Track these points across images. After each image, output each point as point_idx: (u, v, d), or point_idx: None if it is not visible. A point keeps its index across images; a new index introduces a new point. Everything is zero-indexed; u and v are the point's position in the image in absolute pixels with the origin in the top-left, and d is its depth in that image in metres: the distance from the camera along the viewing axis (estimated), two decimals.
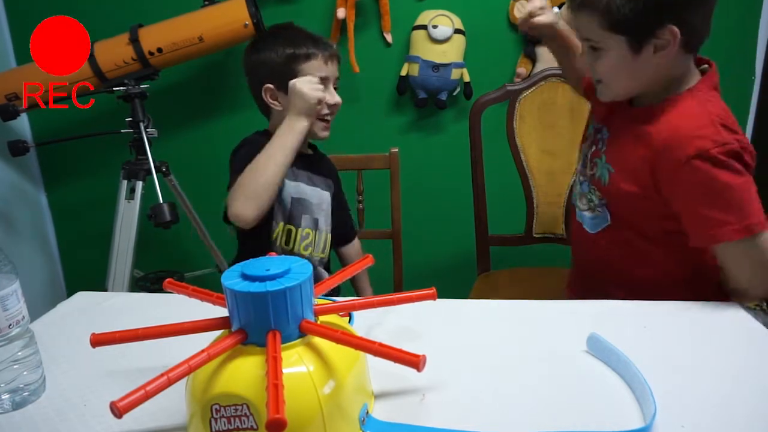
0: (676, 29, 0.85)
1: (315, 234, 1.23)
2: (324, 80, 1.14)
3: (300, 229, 1.20)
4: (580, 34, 0.96)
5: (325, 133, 1.20)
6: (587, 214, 1.04)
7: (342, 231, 1.36)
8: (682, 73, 0.94)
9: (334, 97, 1.17)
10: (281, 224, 1.19)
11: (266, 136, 1.18)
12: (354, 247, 1.43)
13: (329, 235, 1.28)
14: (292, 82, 1.10)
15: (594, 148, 1.04)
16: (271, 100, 1.17)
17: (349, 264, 1.35)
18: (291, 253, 1.22)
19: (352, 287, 1.42)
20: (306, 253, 1.23)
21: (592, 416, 0.60)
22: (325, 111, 1.17)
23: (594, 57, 0.94)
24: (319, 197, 1.24)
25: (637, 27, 0.87)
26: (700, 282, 0.98)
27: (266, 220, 1.15)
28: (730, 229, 0.85)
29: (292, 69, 1.13)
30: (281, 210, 1.18)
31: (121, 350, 0.65)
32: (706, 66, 0.96)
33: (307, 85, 1.09)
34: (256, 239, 1.18)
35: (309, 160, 1.25)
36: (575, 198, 1.11)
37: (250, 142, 1.17)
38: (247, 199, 1.05)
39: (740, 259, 0.89)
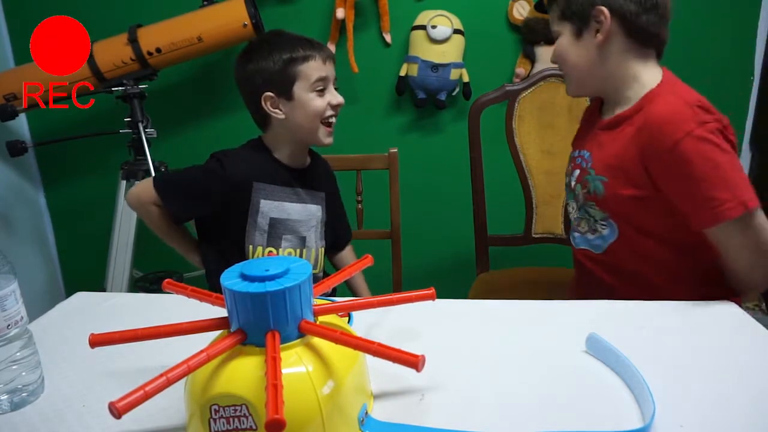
0: (605, 10, 0.94)
1: (301, 252, 1.20)
2: (324, 80, 1.13)
3: (281, 250, 1.17)
4: (551, 28, 1.05)
5: (329, 140, 1.17)
6: (590, 236, 1.05)
7: (334, 240, 1.33)
8: (639, 74, 0.97)
9: (336, 97, 1.15)
10: (260, 248, 1.15)
11: (258, 149, 1.16)
12: (349, 252, 1.41)
13: (321, 250, 1.25)
14: None
15: (577, 171, 1.06)
16: (272, 109, 1.13)
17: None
18: None
19: (348, 289, 1.42)
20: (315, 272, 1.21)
21: (592, 416, 0.60)
22: (329, 113, 1.14)
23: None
24: (306, 213, 1.20)
25: (578, 13, 0.97)
26: (705, 279, 0.99)
27: (237, 244, 1.14)
28: (728, 206, 0.86)
29: (291, 73, 1.11)
30: (259, 234, 1.15)
31: (120, 350, 0.65)
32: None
33: None
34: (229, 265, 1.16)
35: (301, 176, 1.20)
36: (572, 228, 1.12)
37: (220, 157, 1.13)
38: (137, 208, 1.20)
39: (739, 239, 0.89)
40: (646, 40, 0.97)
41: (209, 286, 1.21)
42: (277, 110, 1.13)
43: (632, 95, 0.98)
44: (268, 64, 1.11)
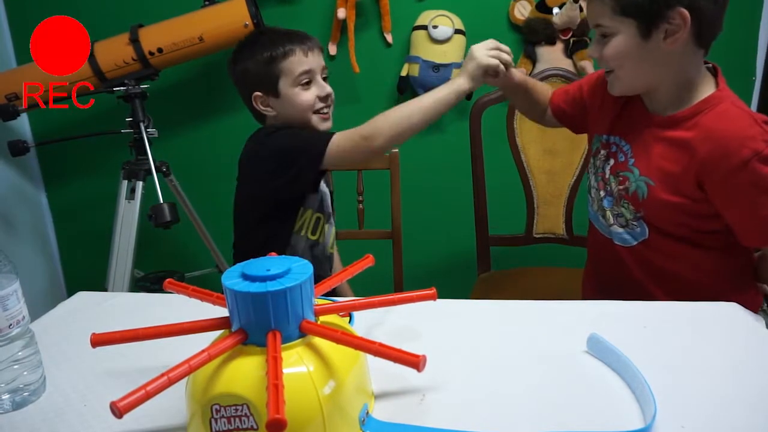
0: (686, 13, 0.84)
1: (328, 226, 1.25)
2: (308, 73, 1.12)
3: (326, 223, 1.22)
4: (591, 21, 0.94)
5: (326, 125, 1.17)
6: (619, 230, 1.02)
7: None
8: (695, 74, 0.92)
9: (324, 89, 1.15)
10: (309, 211, 1.17)
11: None
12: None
13: (335, 229, 1.30)
14: (474, 46, 1.06)
15: (612, 161, 1.01)
16: (262, 107, 1.15)
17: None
18: (316, 244, 1.21)
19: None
20: (331, 250, 1.25)
21: (592, 416, 0.60)
22: (320, 104, 1.15)
23: (603, 44, 0.92)
24: (325, 191, 1.24)
25: (648, 10, 0.85)
26: (735, 277, 0.98)
27: (292, 205, 1.15)
28: None
29: (274, 71, 1.11)
30: (315, 198, 1.18)
31: (121, 350, 0.65)
32: (710, 67, 0.95)
33: (483, 49, 1.04)
34: (279, 222, 1.16)
35: None
36: (595, 214, 1.08)
37: (288, 127, 1.13)
38: (390, 122, 1.04)
39: None
40: (709, 40, 0.90)
41: (237, 253, 1.23)
42: (267, 108, 1.15)
43: (687, 96, 0.93)
44: (251, 65, 1.13)
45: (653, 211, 0.96)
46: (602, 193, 1.04)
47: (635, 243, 1.00)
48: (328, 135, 1.07)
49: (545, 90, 1.22)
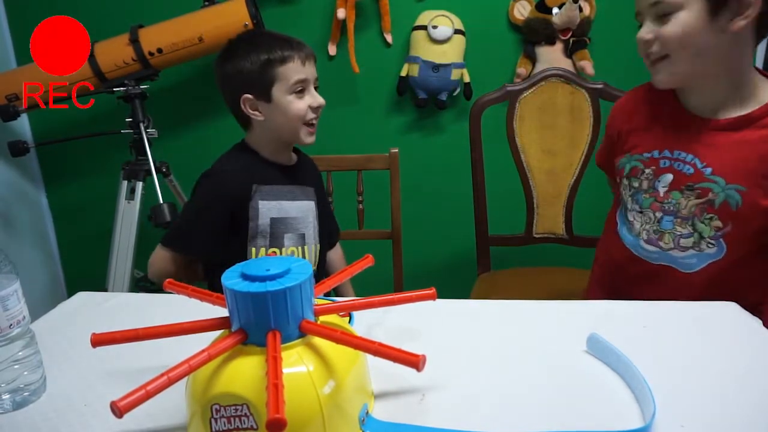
0: None
1: (302, 250, 1.19)
2: (303, 82, 1.10)
3: (284, 250, 1.16)
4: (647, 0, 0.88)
5: (311, 139, 1.15)
6: (683, 254, 0.93)
7: (327, 237, 1.32)
8: (749, 71, 0.88)
9: (317, 99, 1.12)
10: (263, 249, 1.14)
11: (244, 152, 1.16)
12: (336, 252, 1.40)
13: (318, 246, 1.24)
14: None
15: (671, 176, 0.94)
16: (251, 111, 1.11)
17: (331, 268, 1.37)
18: None
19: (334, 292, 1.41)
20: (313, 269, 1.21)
21: (592, 416, 0.60)
22: (311, 115, 1.12)
23: (659, 24, 0.87)
24: (303, 210, 1.19)
25: None
26: None
27: (239, 249, 1.12)
28: None
29: (269, 75, 1.08)
30: (260, 235, 1.13)
31: (121, 350, 0.65)
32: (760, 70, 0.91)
33: None
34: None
35: (291, 172, 1.19)
36: (635, 240, 1.00)
37: (209, 178, 1.13)
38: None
39: None
40: (766, 32, 0.85)
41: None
42: (256, 112, 1.12)
43: (747, 96, 0.88)
44: (246, 65, 1.09)
45: (747, 221, 0.88)
46: (659, 215, 0.96)
47: (703, 265, 0.93)
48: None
49: None
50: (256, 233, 1.13)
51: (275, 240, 1.15)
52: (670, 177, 0.94)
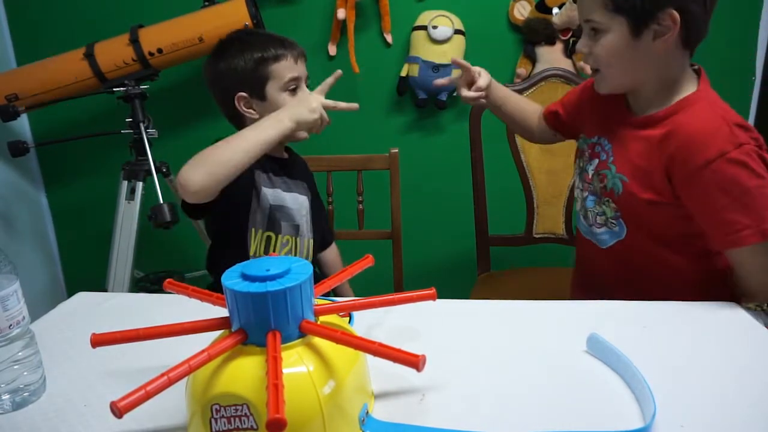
0: (676, 14, 0.85)
1: (296, 240, 1.20)
2: (296, 80, 1.11)
3: (280, 236, 1.17)
4: (582, 15, 0.94)
5: (304, 134, 1.13)
6: (599, 230, 1.03)
7: (320, 236, 1.32)
8: (679, 75, 0.93)
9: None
10: (260, 231, 1.15)
11: None
12: (332, 251, 1.41)
13: (311, 241, 1.24)
14: (310, 95, 1.08)
15: (596, 161, 1.03)
16: (245, 109, 1.13)
17: (328, 269, 1.36)
18: None
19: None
20: None
21: (592, 416, 0.60)
22: None
23: (593, 41, 0.93)
24: (298, 202, 1.20)
25: (640, 9, 0.86)
26: (711, 284, 0.98)
27: (240, 228, 1.13)
28: (747, 233, 0.85)
29: (263, 73, 1.10)
30: (261, 217, 1.14)
31: (121, 350, 0.65)
32: (696, 68, 0.96)
33: (313, 103, 1.05)
34: (230, 248, 1.15)
35: (284, 165, 1.21)
36: (578, 216, 1.10)
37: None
38: (202, 166, 0.98)
39: (752, 262, 0.89)
40: (696, 43, 0.91)
41: (212, 278, 1.23)
42: (250, 110, 1.13)
43: (667, 97, 0.93)
44: (240, 63, 1.10)
45: (628, 208, 0.97)
46: (585, 193, 1.06)
47: (613, 242, 1.01)
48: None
49: (529, 103, 1.26)
50: (257, 213, 1.14)
51: (273, 225, 1.16)
52: (596, 162, 1.03)
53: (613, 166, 0.98)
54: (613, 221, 1.00)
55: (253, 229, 1.14)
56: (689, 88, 0.93)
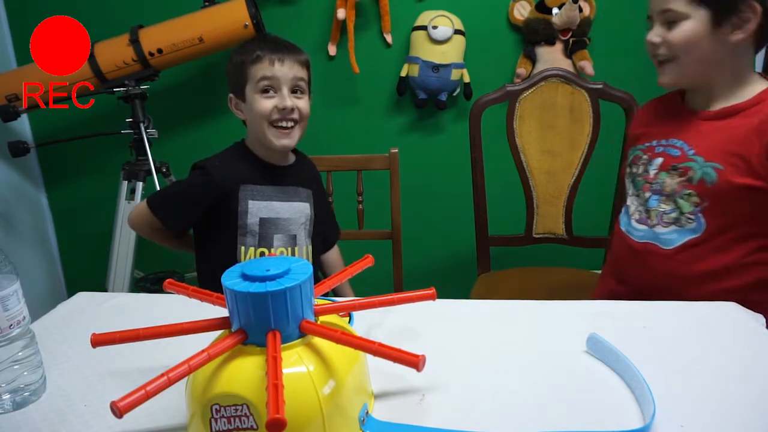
0: (758, 6, 0.87)
1: (292, 251, 1.19)
2: (269, 80, 1.09)
3: (273, 250, 1.16)
4: (658, 6, 0.95)
5: (283, 141, 1.12)
6: (665, 230, 1.00)
7: (322, 238, 1.31)
8: (747, 71, 0.95)
9: (284, 101, 1.10)
10: (251, 249, 1.15)
11: (240, 150, 1.18)
12: (334, 252, 1.40)
13: (310, 247, 1.23)
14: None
15: (659, 160, 1.01)
16: (235, 110, 1.18)
17: (330, 270, 1.36)
18: None
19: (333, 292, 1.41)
20: None
21: (592, 416, 0.60)
22: (275, 116, 1.10)
23: (667, 30, 0.94)
24: (295, 211, 1.18)
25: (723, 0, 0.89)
26: None
27: (228, 249, 1.14)
28: None
29: (244, 75, 1.12)
30: (249, 235, 1.14)
31: (122, 350, 0.65)
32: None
33: None
34: (221, 267, 1.16)
35: (285, 173, 1.19)
36: (629, 222, 1.06)
37: (198, 170, 1.13)
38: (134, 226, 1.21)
39: None
40: (764, 43, 0.94)
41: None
42: (238, 111, 1.18)
43: (740, 92, 0.95)
44: (229, 67, 1.16)
45: (721, 197, 0.94)
46: (647, 194, 1.03)
47: (683, 241, 0.98)
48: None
49: None
50: (246, 232, 1.14)
51: (264, 240, 1.16)
52: (660, 160, 1.02)
53: (699, 158, 0.96)
54: (690, 216, 0.97)
55: (242, 248, 1.15)
56: (760, 84, 0.95)
